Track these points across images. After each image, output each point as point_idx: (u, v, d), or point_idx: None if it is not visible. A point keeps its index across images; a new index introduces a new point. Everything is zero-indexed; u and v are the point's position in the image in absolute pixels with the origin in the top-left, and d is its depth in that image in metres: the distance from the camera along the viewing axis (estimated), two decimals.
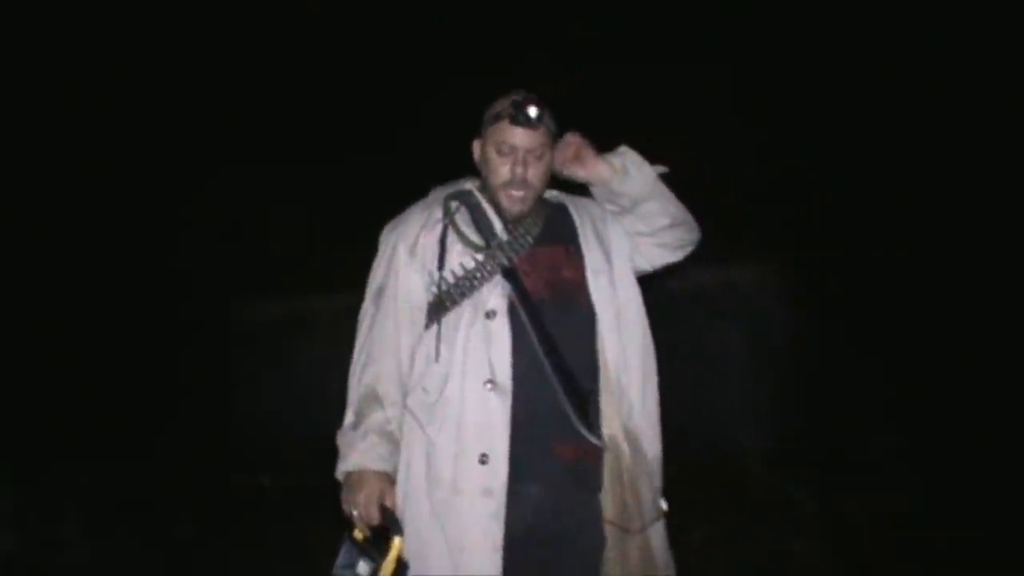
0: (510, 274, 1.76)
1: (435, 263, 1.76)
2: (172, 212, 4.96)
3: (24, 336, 4.59)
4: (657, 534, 1.78)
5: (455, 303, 1.75)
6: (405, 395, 1.76)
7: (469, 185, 1.89)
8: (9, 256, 4.68)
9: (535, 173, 1.79)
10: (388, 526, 1.67)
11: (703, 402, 4.14)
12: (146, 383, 4.69)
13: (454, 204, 1.83)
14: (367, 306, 1.83)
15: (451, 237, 1.79)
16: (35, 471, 4.18)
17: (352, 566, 1.63)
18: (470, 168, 1.91)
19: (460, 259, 1.77)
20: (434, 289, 1.76)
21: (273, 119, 4.91)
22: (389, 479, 1.72)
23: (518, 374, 1.70)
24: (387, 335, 1.77)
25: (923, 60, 4.30)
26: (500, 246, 1.77)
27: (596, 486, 1.75)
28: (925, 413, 3.98)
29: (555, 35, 4.82)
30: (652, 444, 1.79)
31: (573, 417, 1.70)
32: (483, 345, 1.71)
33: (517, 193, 1.79)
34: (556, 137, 1.82)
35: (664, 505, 1.80)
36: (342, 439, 1.74)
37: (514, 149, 1.78)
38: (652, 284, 1.94)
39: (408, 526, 1.68)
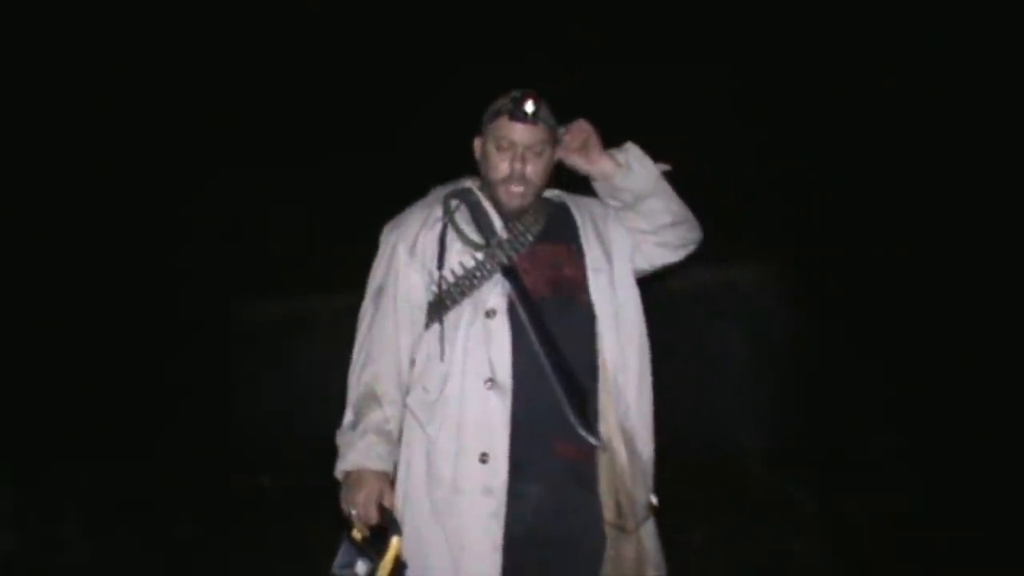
0: (510, 273, 1.76)
1: (435, 262, 1.76)
2: (172, 212, 4.96)
3: (24, 336, 4.59)
4: (649, 533, 1.79)
5: (455, 302, 1.75)
6: (404, 394, 1.76)
7: (469, 184, 1.89)
8: (9, 256, 4.68)
9: (534, 169, 1.79)
10: (386, 526, 1.67)
11: (703, 402, 4.14)
12: (146, 383, 4.69)
13: (454, 202, 1.83)
14: (367, 305, 1.83)
15: (451, 236, 1.79)
16: (35, 471, 4.18)
17: (350, 566, 1.63)
18: (470, 168, 1.91)
19: (460, 258, 1.77)
20: (434, 288, 1.76)
21: (273, 119, 4.90)
22: (388, 479, 1.72)
23: (518, 373, 1.70)
24: (386, 334, 1.77)
25: (923, 60, 4.30)
26: (500, 244, 1.77)
27: (595, 485, 1.75)
28: (925, 413, 3.98)
29: (555, 35, 4.82)
30: (646, 445, 1.79)
31: (572, 416, 1.70)
32: (483, 344, 1.71)
33: (516, 189, 1.78)
34: (556, 133, 1.82)
35: (655, 501, 1.80)
36: (341, 438, 1.75)
37: (513, 145, 1.78)
38: (652, 284, 1.94)
39: (408, 525, 1.68)
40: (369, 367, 1.76)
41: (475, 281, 1.75)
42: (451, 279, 1.76)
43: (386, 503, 1.69)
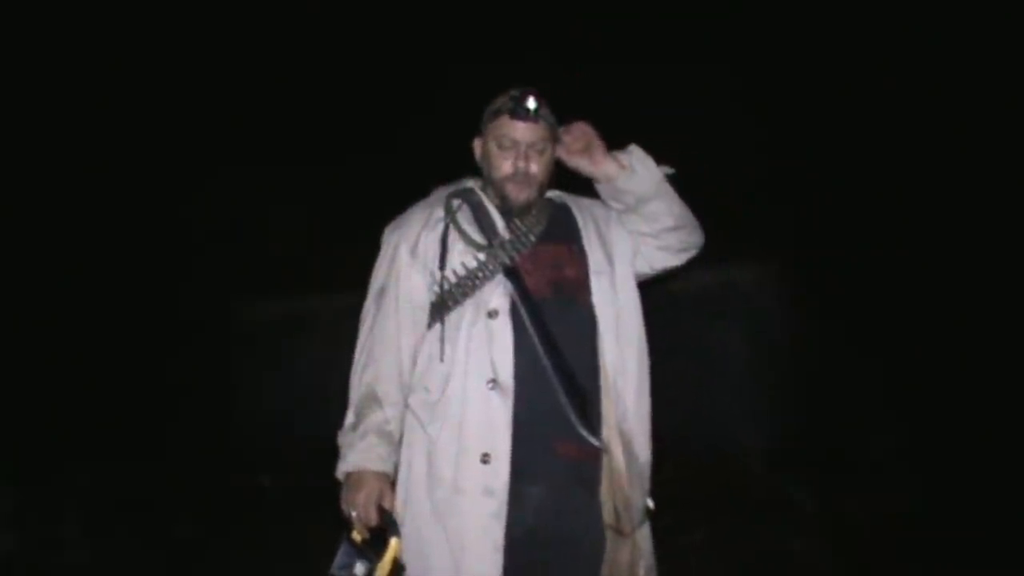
0: (512, 273, 1.75)
1: (436, 263, 1.76)
2: (172, 212, 4.96)
3: (24, 336, 4.59)
4: (644, 536, 1.79)
5: (457, 303, 1.75)
6: (406, 395, 1.76)
7: (471, 184, 1.89)
8: (9, 256, 4.68)
9: (537, 167, 1.79)
10: (386, 527, 1.66)
11: (703, 402, 4.14)
12: (146, 383, 4.69)
13: (456, 202, 1.83)
14: (368, 306, 1.83)
15: (453, 236, 1.78)
16: (35, 471, 4.17)
17: (349, 567, 1.63)
18: (470, 168, 1.91)
19: (462, 258, 1.76)
20: (436, 289, 1.76)
21: (273, 119, 4.90)
22: (388, 480, 1.72)
23: (520, 373, 1.70)
24: (388, 335, 1.77)
25: (923, 60, 4.30)
26: (502, 245, 1.77)
27: (596, 487, 1.75)
28: (925, 413, 3.98)
29: (555, 35, 4.82)
30: (643, 448, 1.79)
31: (573, 418, 1.69)
32: (485, 345, 1.71)
33: (521, 185, 1.78)
34: (556, 131, 1.82)
35: (651, 504, 1.80)
36: (342, 439, 1.74)
37: (515, 143, 1.78)
38: (652, 285, 1.94)
39: (408, 525, 1.68)
40: (370, 368, 1.76)
41: (477, 281, 1.75)
42: (453, 279, 1.76)
43: (386, 504, 1.69)
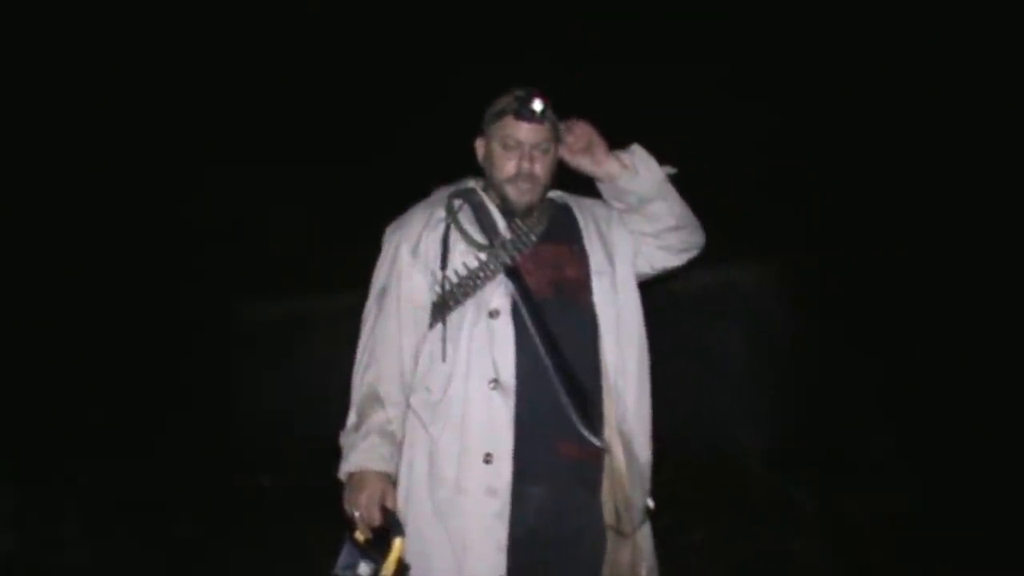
0: (513, 273, 1.75)
1: (438, 263, 1.76)
2: (172, 212, 4.96)
3: (24, 336, 4.59)
4: (645, 536, 1.80)
5: (458, 303, 1.75)
6: (407, 395, 1.76)
7: (472, 184, 1.89)
8: (9, 256, 4.68)
9: (541, 167, 1.79)
10: (389, 527, 1.66)
11: (703, 402, 4.14)
12: (146, 383, 4.69)
13: (457, 203, 1.83)
14: (370, 306, 1.83)
15: (454, 236, 1.78)
16: (35, 471, 4.17)
17: (353, 567, 1.63)
18: (471, 168, 1.91)
19: (463, 258, 1.76)
20: (437, 289, 1.76)
21: (273, 119, 4.90)
22: (390, 480, 1.72)
23: (522, 373, 1.70)
24: (389, 336, 1.77)
25: (923, 60, 4.30)
26: (503, 245, 1.77)
27: (598, 487, 1.75)
28: (925, 413, 3.98)
29: (555, 35, 4.82)
30: (644, 449, 1.79)
31: (575, 417, 1.69)
32: (487, 345, 1.71)
33: (525, 186, 1.78)
34: (559, 131, 1.82)
35: (651, 504, 1.80)
36: (344, 440, 1.74)
37: (520, 144, 1.78)
38: (652, 285, 1.93)
39: (410, 525, 1.68)
40: (372, 368, 1.76)
41: (478, 282, 1.75)
42: (454, 279, 1.76)
43: (389, 504, 1.68)
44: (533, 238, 1.80)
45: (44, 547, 3.85)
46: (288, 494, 4.26)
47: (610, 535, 1.76)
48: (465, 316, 1.73)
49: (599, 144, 1.80)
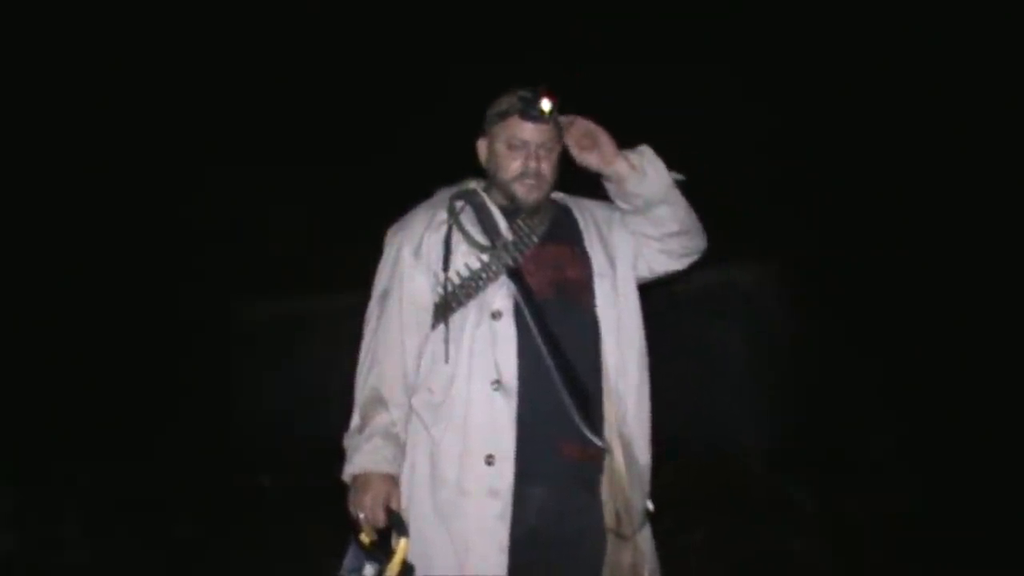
0: (515, 274, 1.75)
1: (440, 264, 1.75)
2: (172, 212, 4.96)
3: (24, 336, 4.59)
4: (645, 538, 1.79)
5: (460, 304, 1.74)
6: (410, 397, 1.75)
7: (473, 185, 1.88)
8: (9, 256, 4.68)
9: (547, 167, 1.79)
10: (394, 528, 1.66)
11: (703, 402, 4.15)
12: (146, 383, 4.69)
13: (459, 204, 1.82)
14: (372, 308, 1.82)
15: (456, 237, 1.77)
16: (35, 471, 4.18)
17: (358, 569, 1.62)
18: (470, 168, 1.91)
19: (465, 260, 1.76)
20: (439, 290, 1.75)
21: (273, 119, 4.91)
22: (395, 481, 1.71)
23: (524, 375, 1.69)
24: (392, 337, 1.76)
25: (923, 60, 4.30)
26: (505, 246, 1.76)
27: (598, 488, 1.75)
28: (925, 414, 3.98)
29: (555, 35, 4.82)
30: (643, 452, 1.78)
31: (577, 418, 1.69)
32: (489, 346, 1.70)
33: (531, 184, 1.78)
34: (562, 130, 1.81)
35: (651, 506, 1.80)
36: (348, 442, 1.74)
37: (526, 144, 1.77)
38: (653, 286, 1.93)
39: (412, 527, 1.68)
40: (375, 370, 1.75)
41: (480, 283, 1.74)
42: (456, 281, 1.75)
43: (393, 506, 1.68)
44: (535, 239, 1.79)
45: (44, 547, 3.85)
46: (288, 494, 4.27)
47: (610, 537, 1.76)
48: (467, 317, 1.73)
49: (607, 142, 1.79)
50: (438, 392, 1.71)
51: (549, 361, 1.70)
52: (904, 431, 4.02)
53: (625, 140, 1.84)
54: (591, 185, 1.88)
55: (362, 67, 5.05)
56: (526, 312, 1.72)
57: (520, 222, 1.80)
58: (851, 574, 3.45)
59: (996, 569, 3.19)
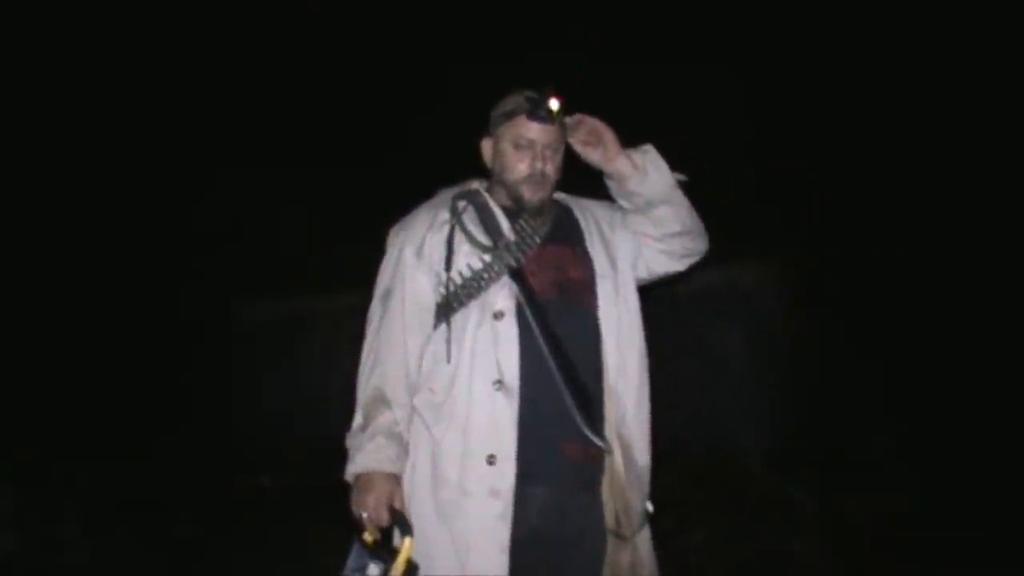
0: (517, 274, 1.75)
1: (442, 264, 1.76)
2: (172, 212, 4.96)
3: (24, 336, 4.60)
4: (644, 539, 1.79)
5: (462, 304, 1.74)
6: (413, 396, 1.75)
7: (476, 185, 1.88)
8: (9, 256, 4.68)
9: (552, 168, 1.80)
10: (397, 527, 1.66)
11: (703, 402, 4.15)
12: (146, 383, 4.69)
13: (461, 204, 1.82)
14: (375, 308, 1.82)
15: (458, 238, 1.78)
16: (35, 471, 4.18)
17: (362, 569, 1.62)
18: (470, 168, 1.91)
19: (467, 260, 1.76)
20: (442, 290, 1.76)
21: (274, 119, 4.91)
22: (398, 481, 1.71)
23: (525, 375, 1.69)
24: (394, 337, 1.76)
25: (923, 60, 4.30)
26: (507, 246, 1.77)
27: (598, 489, 1.76)
28: (925, 413, 3.98)
29: (555, 35, 4.82)
30: (643, 453, 1.78)
31: (578, 419, 1.69)
32: (491, 346, 1.70)
33: (537, 185, 1.78)
34: (567, 130, 1.82)
35: (650, 507, 1.80)
36: (351, 441, 1.74)
37: (532, 144, 1.78)
38: (653, 286, 1.93)
39: (413, 526, 1.68)
40: (377, 370, 1.75)
41: (483, 283, 1.75)
42: (459, 281, 1.75)
43: (396, 505, 1.68)
44: (537, 239, 1.79)
45: (44, 547, 3.85)
46: (288, 494, 4.27)
47: (610, 538, 1.76)
48: (469, 317, 1.73)
49: (611, 140, 1.80)
50: (440, 392, 1.71)
51: (551, 361, 1.70)
52: (904, 431, 4.02)
53: (625, 140, 1.84)
54: (593, 185, 1.88)
55: (363, 67, 5.06)
56: (528, 312, 1.72)
57: (522, 222, 1.80)
58: (851, 574, 3.45)
59: (996, 569, 3.19)
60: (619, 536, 1.76)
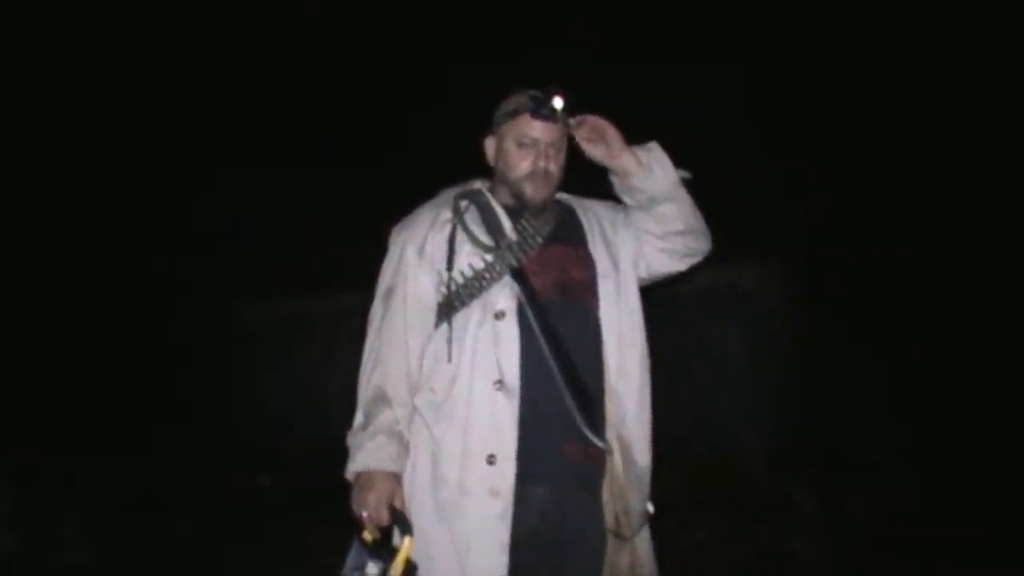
0: (518, 274, 1.75)
1: (444, 264, 1.75)
2: (172, 212, 4.96)
3: (24, 336, 4.60)
4: (644, 540, 1.79)
5: (464, 304, 1.74)
6: (414, 395, 1.75)
7: (479, 184, 1.88)
8: (9, 256, 4.68)
9: (555, 167, 1.80)
10: (397, 526, 1.66)
11: (704, 402, 4.15)
12: (146, 383, 4.69)
13: (463, 203, 1.82)
14: (376, 307, 1.82)
15: (460, 237, 1.78)
16: (35, 471, 4.18)
17: (361, 567, 1.62)
18: (470, 167, 1.91)
19: (469, 259, 1.76)
20: (443, 290, 1.75)
21: (273, 119, 4.91)
22: (398, 480, 1.71)
23: (526, 375, 1.69)
24: (396, 336, 1.76)
25: (923, 60, 4.30)
26: (509, 246, 1.76)
27: (598, 490, 1.76)
28: (925, 413, 3.98)
29: (555, 35, 4.82)
30: (643, 454, 1.78)
31: (578, 419, 1.69)
32: (492, 346, 1.70)
33: (540, 183, 1.79)
34: (570, 129, 1.82)
35: (651, 508, 1.80)
36: (352, 440, 1.73)
37: (536, 142, 1.78)
38: (654, 287, 1.93)
39: (413, 526, 1.68)
40: (379, 369, 1.75)
41: (484, 283, 1.74)
42: (460, 280, 1.75)
43: (397, 504, 1.68)
44: (539, 239, 1.79)
45: (44, 547, 3.85)
46: (288, 494, 4.27)
47: (610, 538, 1.76)
48: (471, 317, 1.73)
49: (615, 137, 1.80)
50: (440, 391, 1.71)
51: (551, 362, 1.70)
52: (904, 431, 4.02)
53: (626, 140, 1.84)
54: (596, 185, 1.88)
55: (362, 67, 5.06)
56: (529, 312, 1.72)
57: (524, 222, 1.80)
58: (851, 574, 3.45)
59: (996, 569, 3.20)
60: (619, 536, 1.76)
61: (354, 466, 1.70)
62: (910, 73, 4.35)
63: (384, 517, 1.66)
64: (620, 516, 1.75)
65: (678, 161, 1.83)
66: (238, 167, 4.81)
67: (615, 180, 1.84)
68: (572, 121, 1.80)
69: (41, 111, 4.86)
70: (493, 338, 1.71)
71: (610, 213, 1.89)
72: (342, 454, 1.74)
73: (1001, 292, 4.08)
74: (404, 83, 5.00)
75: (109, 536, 3.93)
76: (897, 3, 4.47)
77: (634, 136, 1.84)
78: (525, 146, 1.78)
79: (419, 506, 1.70)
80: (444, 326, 1.74)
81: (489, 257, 1.76)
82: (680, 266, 1.89)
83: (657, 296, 1.94)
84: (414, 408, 1.74)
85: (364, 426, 1.72)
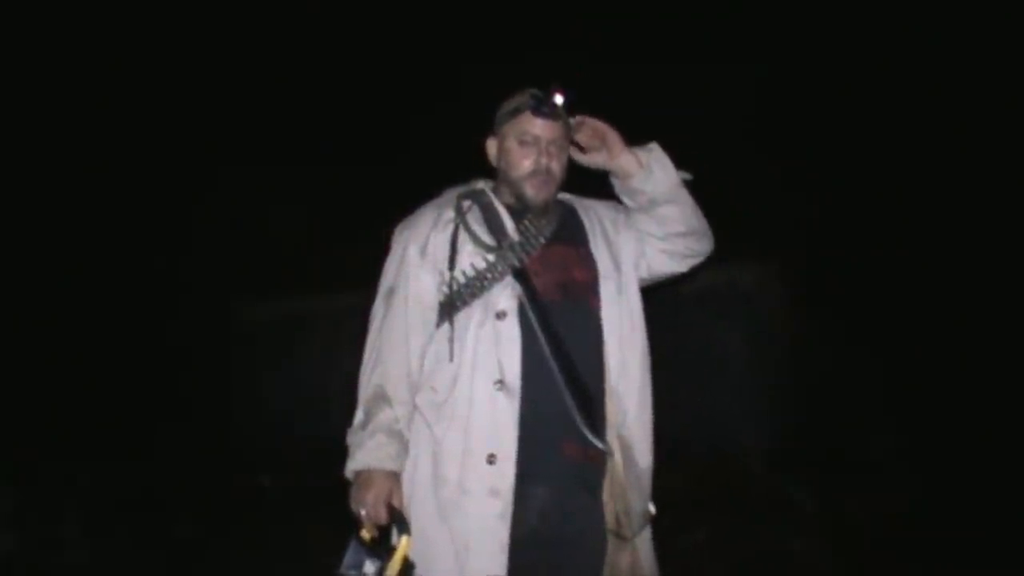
0: (520, 275, 1.75)
1: (446, 263, 1.75)
2: (173, 212, 4.97)
3: (24, 336, 4.60)
4: (645, 541, 1.79)
5: (465, 303, 1.74)
6: (415, 395, 1.75)
7: (481, 184, 1.88)
8: (9, 256, 4.68)
9: (557, 165, 1.80)
10: (395, 525, 1.66)
11: (704, 402, 4.15)
12: (146, 383, 4.69)
13: (466, 203, 1.82)
14: (378, 306, 1.82)
15: (462, 237, 1.78)
16: (35, 471, 4.18)
17: (358, 566, 1.62)
18: (470, 168, 1.91)
19: (471, 259, 1.76)
20: (445, 289, 1.75)
21: (273, 119, 4.91)
22: (397, 479, 1.71)
23: (527, 375, 1.69)
24: (397, 335, 1.76)
25: (923, 60, 4.30)
26: (511, 247, 1.77)
27: (599, 490, 1.76)
28: (925, 413, 3.98)
29: (555, 35, 4.82)
30: (644, 455, 1.78)
31: (579, 420, 1.69)
32: (493, 345, 1.70)
33: (542, 181, 1.78)
34: (571, 128, 1.82)
35: (652, 509, 1.80)
36: (351, 438, 1.74)
37: (537, 140, 1.78)
38: (655, 287, 1.93)
39: (413, 525, 1.68)
40: (379, 367, 1.75)
41: (486, 283, 1.74)
42: (462, 280, 1.75)
43: (395, 503, 1.68)
44: (541, 240, 1.79)
45: (44, 547, 3.86)
46: (288, 494, 4.27)
47: (610, 538, 1.76)
48: (472, 317, 1.73)
49: (615, 139, 1.80)
50: (441, 391, 1.71)
51: (552, 362, 1.70)
52: (904, 431, 4.02)
53: (627, 140, 1.84)
54: (598, 186, 1.88)
55: (363, 68, 5.06)
56: (530, 313, 1.72)
57: (527, 223, 1.80)
58: (851, 574, 3.45)
59: (996, 569, 3.20)
60: (620, 537, 1.76)
61: (353, 464, 1.70)
62: (910, 73, 4.35)
63: (382, 516, 1.66)
64: (621, 516, 1.75)
65: (678, 161, 1.82)
66: (238, 167, 4.81)
67: (616, 182, 1.84)
68: (572, 122, 1.80)
69: (41, 111, 4.86)
70: (494, 338, 1.71)
71: (612, 213, 1.89)
72: (342, 454, 1.74)
73: (1001, 292, 4.08)
74: (404, 83, 5.00)
75: (109, 536, 3.93)
76: (897, 3, 4.47)
77: (634, 136, 1.84)
78: (527, 144, 1.78)
79: (419, 505, 1.70)
80: (445, 326, 1.74)
81: (491, 257, 1.76)
82: (681, 267, 1.89)
83: (658, 296, 1.94)
84: (415, 407, 1.74)
85: (364, 424, 1.72)
